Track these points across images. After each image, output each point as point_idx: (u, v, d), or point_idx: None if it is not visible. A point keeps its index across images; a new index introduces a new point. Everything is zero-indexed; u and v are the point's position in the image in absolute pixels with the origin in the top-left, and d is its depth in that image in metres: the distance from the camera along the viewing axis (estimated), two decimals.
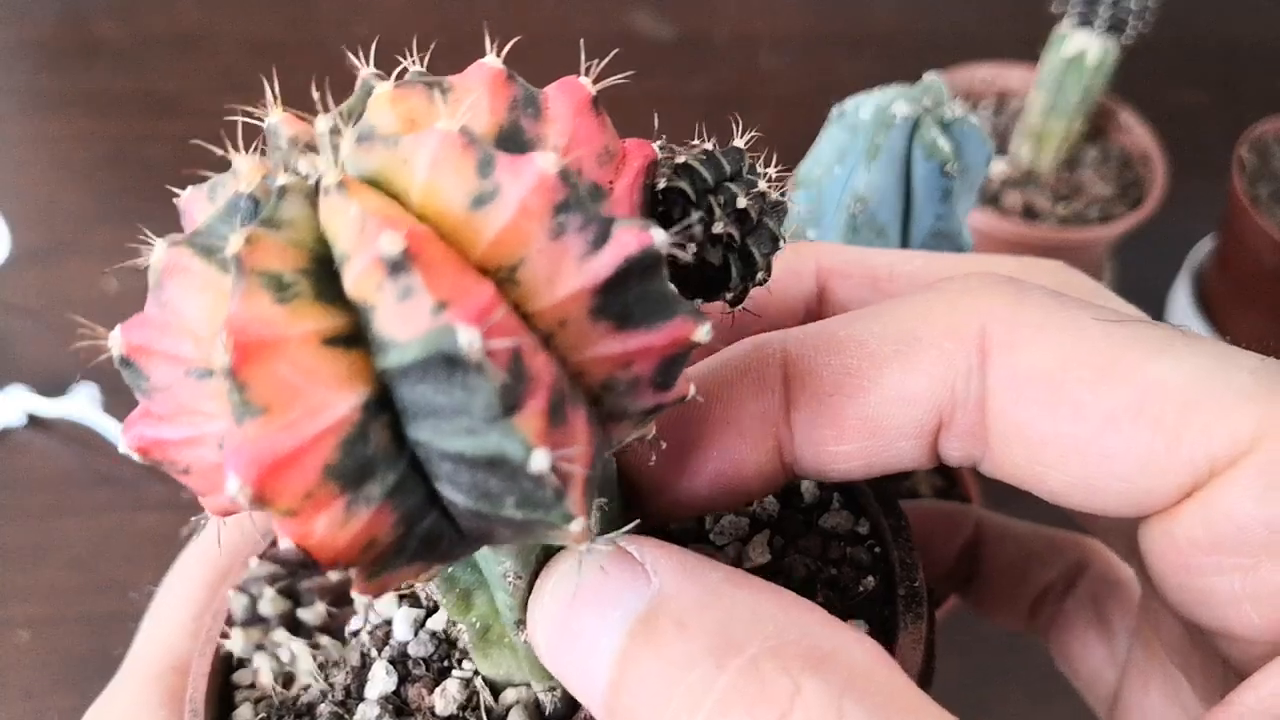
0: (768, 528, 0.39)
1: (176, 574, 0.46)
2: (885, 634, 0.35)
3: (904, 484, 0.82)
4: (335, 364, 0.22)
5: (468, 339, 0.21)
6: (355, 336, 0.23)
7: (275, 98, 0.26)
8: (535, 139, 0.26)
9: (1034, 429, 0.30)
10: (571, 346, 0.24)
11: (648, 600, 0.27)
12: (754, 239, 0.29)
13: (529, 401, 0.22)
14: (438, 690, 0.36)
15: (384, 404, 0.23)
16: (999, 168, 1.13)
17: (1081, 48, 1.04)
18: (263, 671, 0.39)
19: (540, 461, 0.22)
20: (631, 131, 0.28)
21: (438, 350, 0.21)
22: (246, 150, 0.25)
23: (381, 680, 0.37)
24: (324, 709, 0.36)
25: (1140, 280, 1.15)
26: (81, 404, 0.97)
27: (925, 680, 0.35)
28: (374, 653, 0.38)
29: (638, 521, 0.28)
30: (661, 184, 0.28)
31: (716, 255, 0.29)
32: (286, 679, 0.39)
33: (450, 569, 0.32)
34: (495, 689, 0.36)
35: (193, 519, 0.29)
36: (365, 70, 0.26)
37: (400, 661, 0.37)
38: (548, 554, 0.31)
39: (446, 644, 0.38)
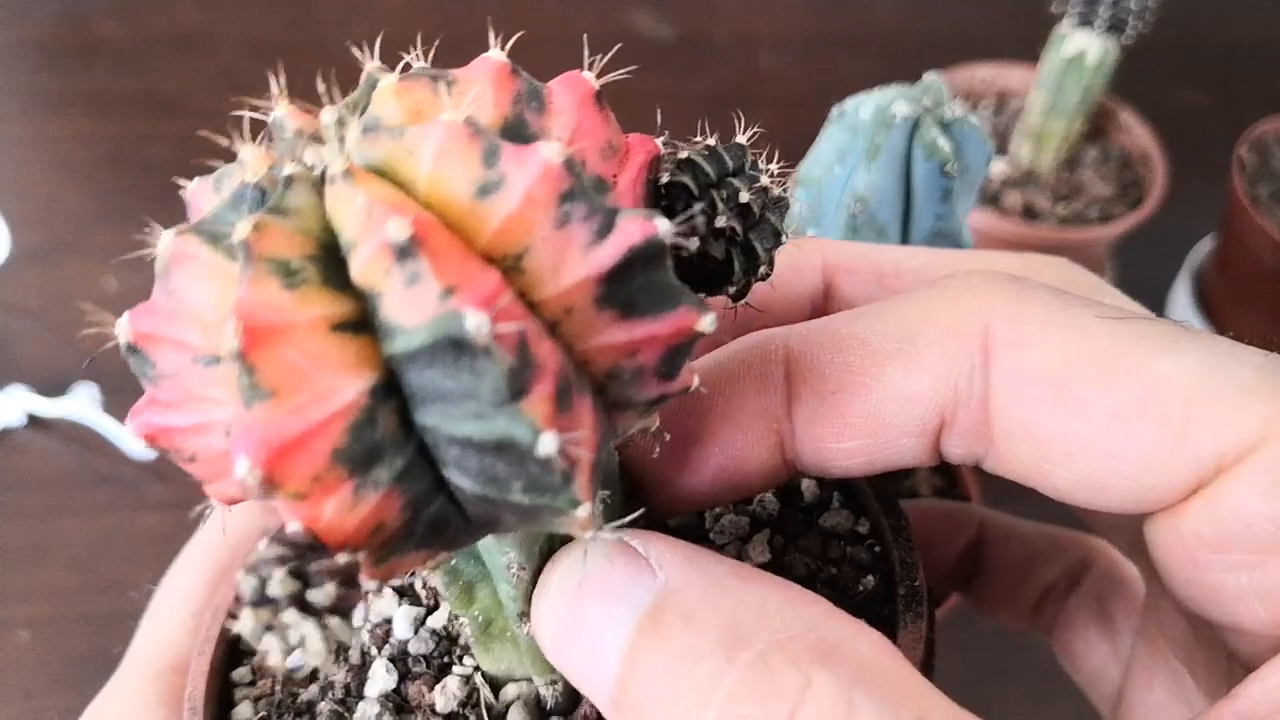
0: (768, 527, 0.39)
1: (176, 572, 0.46)
2: (885, 633, 0.35)
3: (904, 483, 0.82)
4: (343, 349, 0.22)
5: (475, 323, 0.21)
6: (362, 322, 0.23)
7: (281, 91, 0.26)
8: (539, 132, 0.26)
9: (1039, 427, 0.30)
10: (577, 335, 0.24)
11: (654, 594, 0.27)
12: (756, 233, 0.30)
13: (536, 386, 0.22)
14: (438, 687, 0.36)
15: (392, 389, 0.23)
16: (999, 168, 1.13)
17: (1081, 48, 1.04)
18: (272, 653, 0.39)
19: (548, 445, 0.22)
20: (632, 130, 0.28)
21: (445, 335, 0.21)
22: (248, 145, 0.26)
23: (381, 678, 0.37)
24: (324, 707, 0.37)
25: (1140, 280, 1.15)
26: (81, 404, 0.97)
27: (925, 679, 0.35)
28: (374, 651, 0.38)
29: (643, 510, 0.28)
30: (664, 179, 0.29)
31: (719, 249, 0.29)
32: (288, 680, 0.39)
33: (453, 561, 0.32)
34: (495, 685, 0.36)
35: (198, 507, 0.29)
36: (370, 64, 0.27)
37: (400, 659, 0.37)
38: (552, 546, 0.31)
39: (447, 641, 0.38)
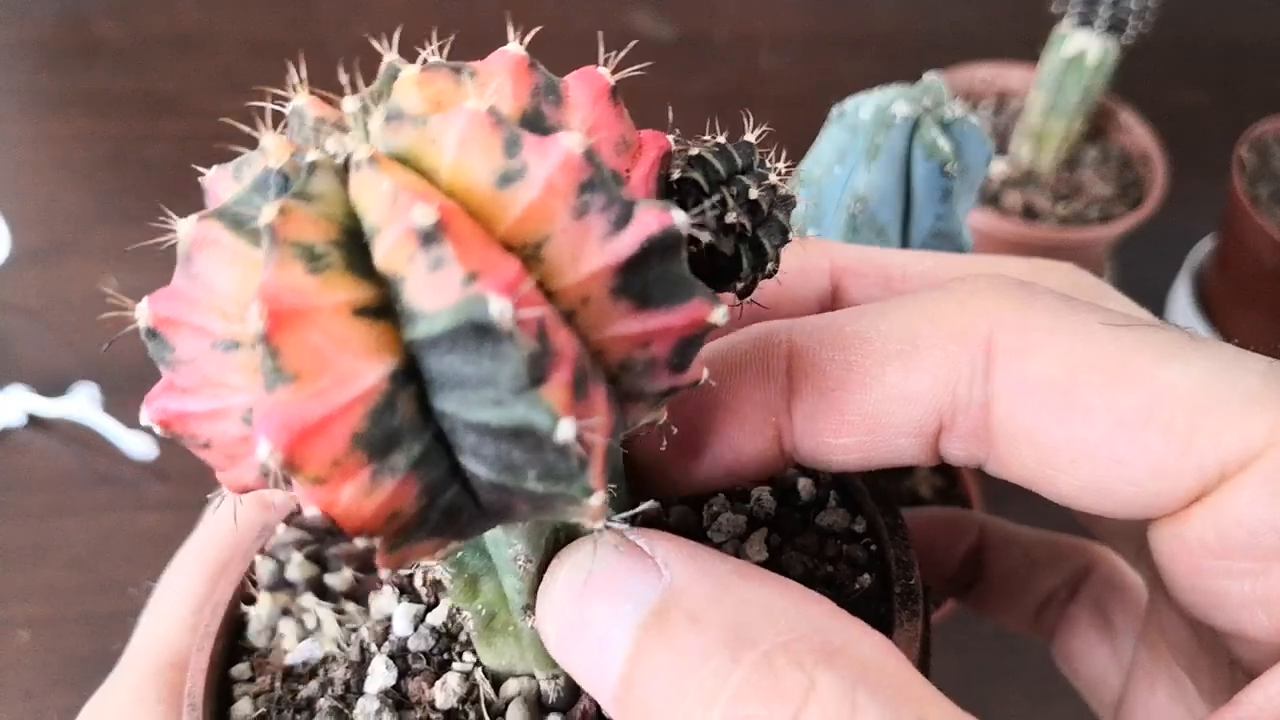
0: (765, 525, 0.39)
1: (175, 569, 0.46)
2: (881, 631, 0.35)
3: (904, 484, 0.82)
4: (365, 334, 0.22)
5: (499, 308, 0.21)
6: (384, 308, 0.23)
7: (302, 81, 0.26)
8: (557, 125, 0.26)
9: (1043, 433, 0.30)
10: (592, 325, 0.24)
11: (660, 593, 0.28)
12: (764, 230, 0.30)
13: (555, 373, 0.22)
14: (438, 684, 0.36)
15: (411, 375, 0.23)
16: (999, 168, 1.13)
17: (1081, 48, 1.04)
18: (288, 637, 0.39)
19: (566, 431, 0.22)
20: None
21: (468, 320, 0.21)
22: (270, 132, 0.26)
23: (381, 675, 0.37)
24: (324, 703, 0.37)
25: (1140, 280, 1.15)
26: (81, 404, 0.97)
27: None
28: (374, 647, 0.38)
29: (653, 502, 0.28)
30: (675, 174, 0.29)
31: (729, 245, 0.29)
32: (287, 674, 0.39)
33: (460, 553, 0.33)
34: (496, 681, 0.36)
35: (209, 495, 0.29)
36: (389, 55, 0.27)
37: (400, 656, 0.37)
38: (558, 540, 0.31)
39: (446, 638, 0.38)
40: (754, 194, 0.29)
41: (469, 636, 0.37)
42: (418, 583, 0.40)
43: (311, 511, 0.23)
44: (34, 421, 0.98)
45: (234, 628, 0.41)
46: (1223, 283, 1.13)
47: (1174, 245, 1.18)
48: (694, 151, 0.29)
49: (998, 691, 0.87)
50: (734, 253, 0.30)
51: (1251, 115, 1.15)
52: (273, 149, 0.25)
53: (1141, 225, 1.06)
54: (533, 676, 0.36)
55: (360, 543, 0.24)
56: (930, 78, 0.63)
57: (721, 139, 0.30)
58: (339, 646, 0.39)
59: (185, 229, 0.25)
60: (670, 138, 0.29)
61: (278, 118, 0.26)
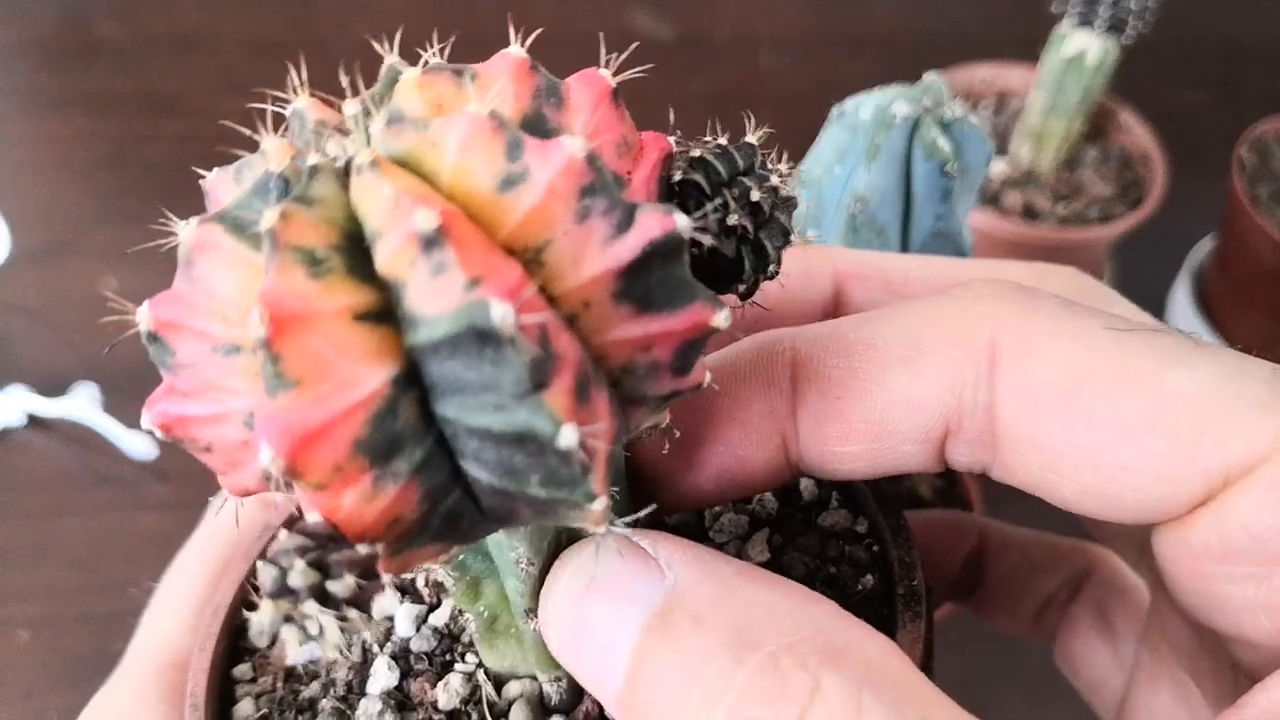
0: (767, 526, 0.39)
1: (177, 569, 0.46)
2: (884, 633, 0.35)
3: (904, 484, 0.82)
4: (366, 339, 0.22)
5: (501, 313, 0.21)
6: (385, 313, 0.23)
7: (302, 84, 0.26)
8: (558, 127, 0.26)
9: (1047, 438, 0.30)
10: (594, 329, 0.24)
11: (663, 595, 0.28)
12: (766, 232, 0.30)
13: (557, 378, 0.22)
14: (440, 684, 0.36)
15: (412, 380, 0.23)
16: (999, 168, 1.13)
17: (1081, 48, 1.04)
18: (290, 643, 0.39)
19: (569, 437, 0.22)
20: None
21: (469, 325, 0.21)
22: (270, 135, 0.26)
23: (383, 675, 0.37)
24: (326, 704, 0.37)
25: (1140, 280, 1.15)
26: (81, 404, 0.97)
27: None
28: (376, 648, 0.38)
29: (654, 506, 0.28)
30: (677, 176, 0.29)
31: (730, 247, 0.29)
32: (289, 674, 0.39)
33: (462, 556, 0.33)
34: (498, 682, 0.36)
35: (211, 498, 0.29)
36: (390, 57, 0.27)
37: (402, 657, 0.38)
38: (560, 542, 0.31)
39: (449, 639, 0.38)
40: (756, 196, 0.29)
41: (471, 637, 0.37)
42: (420, 584, 0.40)
43: (313, 517, 0.23)
44: (34, 421, 0.98)
45: (236, 628, 0.41)
46: (1223, 283, 1.13)
47: (1174, 245, 1.18)
48: (695, 153, 0.29)
49: (996, 694, 0.87)
50: (735, 255, 0.30)
51: (1251, 115, 1.15)
52: (273, 152, 0.25)
53: (1141, 225, 1.06)
54: (535, 678, 0.36)
55: (362, 549, 0.24)
56: (930, 78, 0.63)
57: (723, 140, 0.30)
58: (341, 653, 0.38)
59: (186, 233, 0.25)
60: (671, 139, 0.29)
61: (278, 120, 0.26)
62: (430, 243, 0.22)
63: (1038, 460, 0.30)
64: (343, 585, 0.41)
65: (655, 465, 0.33)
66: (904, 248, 0.63)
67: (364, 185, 0.23)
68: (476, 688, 0.36)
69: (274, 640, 0.40)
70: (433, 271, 0.22)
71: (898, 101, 0.61)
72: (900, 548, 0.37)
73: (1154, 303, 1.16)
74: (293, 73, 0.26)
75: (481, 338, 0.21)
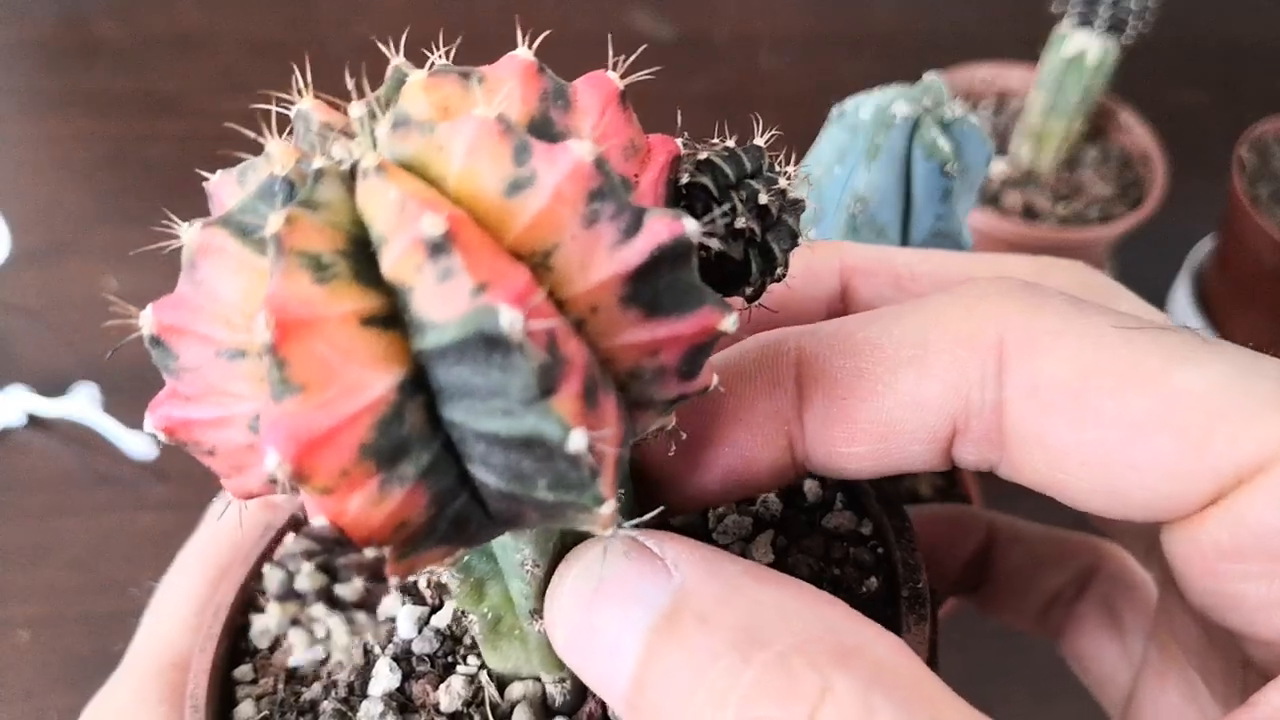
0: (771, 527, 0.39)
1: (177, 569, 0.46)
2: None
3: (904, 484, 0.82)
4: (372, 344, 0.22)
5: (509, 319, 0.21)
6: (392, 318, 0.23)
7: (307, 85, 0.26)
8: (565, 130, 0.26)
9: (1055, 437, 0.30)
10: (601, 333, 0.24)
11: (670, 595, 0.27)
12: (774, 235, 0.30)
13: (565, 383, 0.22)
14: (442, 686, 0.36)
15: (419, 385, 0.23)
16: (999, 168, 1.13)
17: (1081, 48, 1.04)
18: (297, 647, 0.39)
19: (578, 442, 0.22)
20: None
21: (477, 331, 0.21)
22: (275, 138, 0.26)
23: (385, 677, 0.37)
24: (327, 706, 0.36)
25: (1140, 280, 1.14)
26: (81, 404, 0.96)
27: None
28: (377, 650, 0.38)
29: (661, 509, 0.28)
30: (684, 179, 0.29)
31: (737, 250, 0.29)
32: (289, 676, 0.39)
33: (466, 558, 0.33)
34: (501, 684, 0.36)
35: (214, 500, 0.29)
36: (395, 59, 0.27)
37: (404, 659, 0.37)
38: (565, 543, 0.31)
39: (451, 641, 0.38)
40: (764, 199, 0.29)
41: (473, 639, 0.37)
42: (422, 585, 0.39)
43: (320, 521, 0.23)
44: (34, 421, 0.98)
45: (237, 629, 0.41)
46: (1223, 283, 1.13)
47: (1174, 245, 1.18)
48: (703, 155, 0.29)
49: (1000, 690, 0.87)
50: (743, 258, 0.29)
51: (1251, 115, 1.15)
52: (278, 155, 0.25)
53: (1141, 225, 1.06)
54: (538, 679, 0.36)
55: (369, 552, 0.24)
56: (930, 78, 0.63)
57: (730, 142, 0.30)
58: (348, 654, 0.38)
59: (190, 236, 0.25)
60: (679, 141, 0.29)
61: (282, 121, 0.26)
62: (437, 248, 0.21)
63: (1045, 459, 0.30)
64: (351, 588, 0.41)
65: (661, 466, 0.33)
66: (905, 247, 0.63)
67: (370, 189, 0.23)
68: (478, 690, 0.36)
69: (275, 642, 0.40)
70: (440, 277, 0.22)
71: (898, 101, 0.61)
72: (904, 550, 0.37)
73: (1154, 303, 1.15)
74: (297, 74, 0.26)
75: (489, 343, 0.21)
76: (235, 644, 0.40)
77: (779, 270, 0.30)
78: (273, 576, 0.42)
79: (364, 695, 0.37)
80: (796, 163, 0.31)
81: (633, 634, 0.27)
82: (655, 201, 0.27)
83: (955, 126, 0.61)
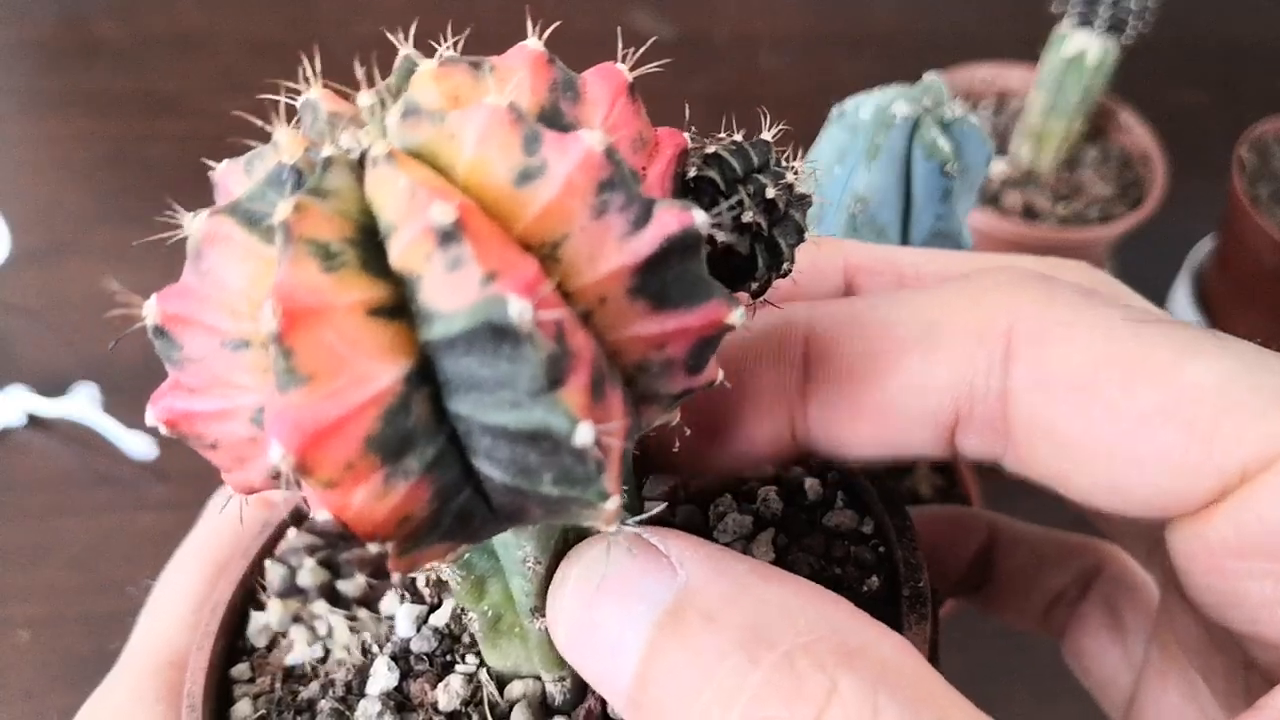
0: (772, 526, 0.39)
1: (175, 566, 0.46)
2: None
3: (904, 483, 0.82)
4: (379, 334, 0.22)
5: (518, 309, 0.21)
6: (399, 308, 0.23)
7: (315, 74, 0.26)
8: (575, 121, 0.26)
9: (1062, 428, 0.30)
10: (609, 325, 0.24)
11: (674, 592, 0.27)
12: (780, 229, 0.30)
13: (573, 376, 0.22)
14: (441, 685, 0.36)
15: (426, 376, 0.23)
16: (999, 168, 1.13)
17: (1081, 48, 1.04)
18: (298, 643, 0.39)
19: (585, 435, 0.22)
20: None
21: (486, 321, 0.21)
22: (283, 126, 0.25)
23: (383, 676, 0.36)
24: (325, 705, 0.36)
25: (1140, 280, 1.14)
26: (81, 404, 0.96)
27: None
28: (376, 648, 0.38)
29: (664, 505, 0.28)
30: (692, 172, 0.29)
31: (745, 245, 0.29)
32: (287, 674, 0.39)
33: (467, 554, 0.32)
34: (501, 682, 0.36)
35: (213, 496, 0.29)
36: (405, 48, 0.27)
37: (402, 657, 0.37)
38: (567, 541, 0.31)
39: (449, 640, 0.38)
40: (771, 193, 0.29)
41: (472, 638, 0.37)
42: (421, 584, 0.39)
43: (323, 515, 0.22)
44: (34, 421, 0.98)
45: (234, 628, 0.40)
46: (1223, 283, 1.13)
47: (1174, 245, 1.18)
48: (710, 149, 0.29)
49: (1003, 690, 0.87)
50: (750, 252, 0.29)
51: (1251, 115, 1.15)
52: (286, 143, 0.25)
53: (1141, 225, 1.06)
54: (538, 678, 0.36)
55: (372, 547, 0.23)
56: (930, 78, 0.63)
57: (738, 137, 0.30)
58: (349, 652, 0.38)
59: (196, 225, 0.25)
60: (686, 135, 0.29)
61: (289, 113, 0.26)
62: (447, 236, 0.21)
63: (1051, 450, 0.30)
64: (353, 585, 0.41)
65: (659, 434, 0.33)
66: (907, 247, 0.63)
67: (379, 178, 0.23)
68: (477, 689, 0.36)
69: (273, 640, 0.40)
70: (449, 266, 0.21)
71: (898, 101, 0.61)
72: (906, 549, 0.37)
73: (1154, 303, 1.16)
74: (305, 64, 0.26)
75: (498, 334, 0.21)
76: (232, 642, 0.40)
77: (785, 265, 0.30)
78: (274, 572, 0.41)
79: (362, 694, 0.37)
80: (800, 157, 0.31)
81: (636, 631, 0.27)
82: (663, 194, 0.27)
83: (955, 126, 0.61)
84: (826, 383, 0.32)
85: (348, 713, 0.36)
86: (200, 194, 0.28)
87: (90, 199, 1.19)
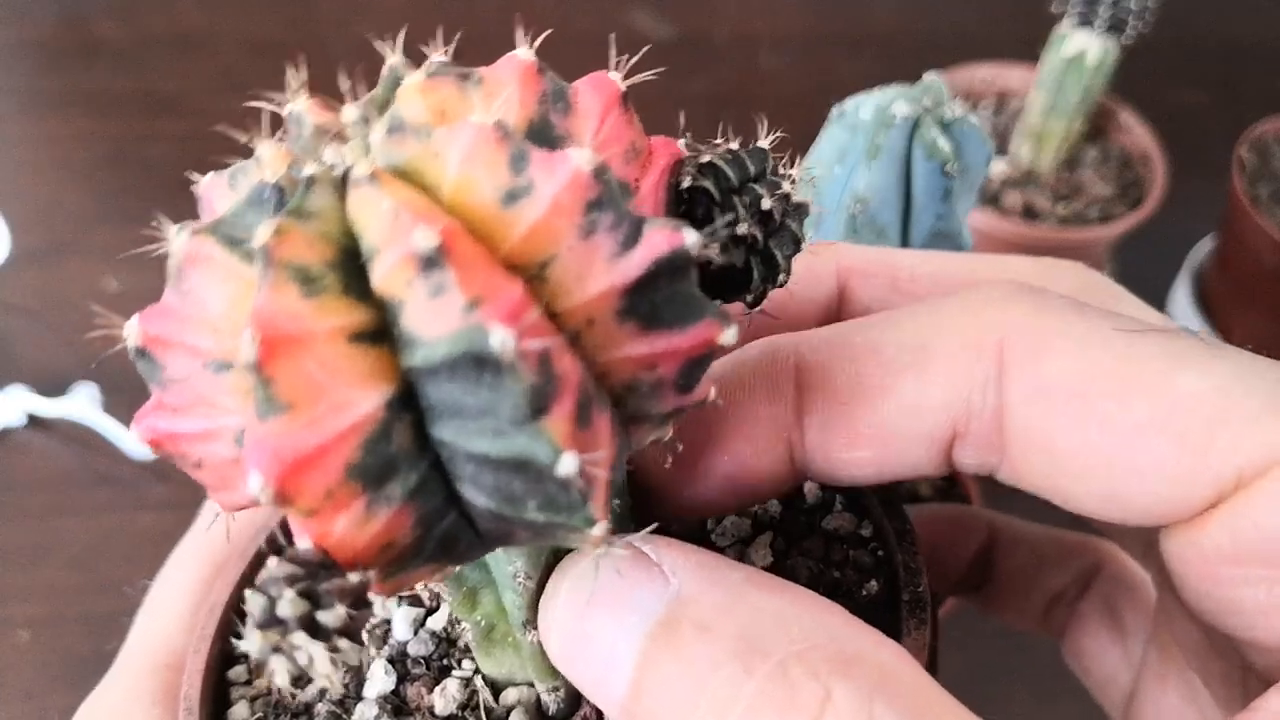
0: (770, 529, 0.39)
1: (172, 568, 0.46)
2: None
3: (904, 484, 0.82)
4: (360, 361, 0.22)
5: (500, 339, 0.21)
6: (380, 332, 0.22)
7: (300, 85, 0.25)
8: (565, 133, 0.26)
9: (1057, 441, 0.30)
10: (598, 347, 0.24)
11: (667, 602, 0.27)
12: (776, 241, 0.29)
13: (557, 404, 0.22)
14: (437, 690, 0.36)
15: (407, 403, 0.22)
16: (999, 168, 1.13)
17: (1081, 48, 1.04)
18: (279, 674, 0.39)
19: (568, 465, 0.22)
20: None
21: (468, 349, 0.21)
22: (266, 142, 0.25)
23: (380, 680, 0.36)
24: (321, 708, 0.36)
25: (1140, 280, 1.14)
26: (81, 404, 0.96)
27: None
28: (372, 651, 0.38)
29: (656, 525, 0.28)
30: (686, 182, 0.28)
31: (739, 256, 0.29)
32: (295, 681, 0.39)
33: (458, 569, 0.32)
34: (496, 688, 0.36)
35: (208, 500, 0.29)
36: (393, 58, 0.26)
37: (399, 661, 0.37)
38: (558, 555, 0.31)
39: (446, 643, 0.38)
40: (767, 204, 0.28)
41: (470, 644, 0.37)
42: (419, 587, 0.39)
43: (304, 543, 0.22)
44: (34, 421, 0.98)
45: (231, 629, 0.40)
46: (1223, 283, 1.13)
47: (1174, 245, 1.18)
48: (705, 158, 0.29)
49: (1003, 690, 0.87)
50: (744, 264, 0.29)
51: (1251, 115, 1.15)
52: (269, 159, 0.25)
53: (1141, 225, 1.06)
54: (533, 686, 0.36)
55: (354, 577, 0.23)
56: (930, 78, 0.63)
57: (734, 145, 0.29)
58: (331, 682, 0.38)
59: (178, 244, 0.24)
60: (681, 142, 0.28)
61: (277, 121, 0.26)
62: (429, 262, 0.21)
63: (1046, 463, 0.30)
64: (333, 615, 0.40)
65: (660, 475, 0.33)
66: (904, 248, 0.63)
67: (362, 198, 0.23)
68: (474, 693, 0.36)
69: (256, 671, 0.40)
70: (431, 292, 0.21)
71: (898, 101, 0.61)
72: (905, 552, 0.37)
73: (1154, 303, 1.15)
74: (290, 73, 0.26)
75: (480, 363, 0.21)
76: (229, 645, 0.40)
77: (781, 277, 0.30)
78: (254, 602, 0.41)
79: (359, 697, 0.37)
80: (798, 164, 0.31)
81: (628, 642, 0.27)
82: (656, 206, 0.27)
83: (955, 126, 0.61)
84: (822, 409, 0.32)
85: (345, 716, 0.36)
86: None
87: (90, 199, 1.19)
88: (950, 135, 0.60)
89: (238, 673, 0.39)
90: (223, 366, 0.24)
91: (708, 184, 0.28)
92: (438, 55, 0.26)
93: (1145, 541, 0.41)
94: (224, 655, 0.39)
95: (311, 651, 0.38)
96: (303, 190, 0.23)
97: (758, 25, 1.45)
